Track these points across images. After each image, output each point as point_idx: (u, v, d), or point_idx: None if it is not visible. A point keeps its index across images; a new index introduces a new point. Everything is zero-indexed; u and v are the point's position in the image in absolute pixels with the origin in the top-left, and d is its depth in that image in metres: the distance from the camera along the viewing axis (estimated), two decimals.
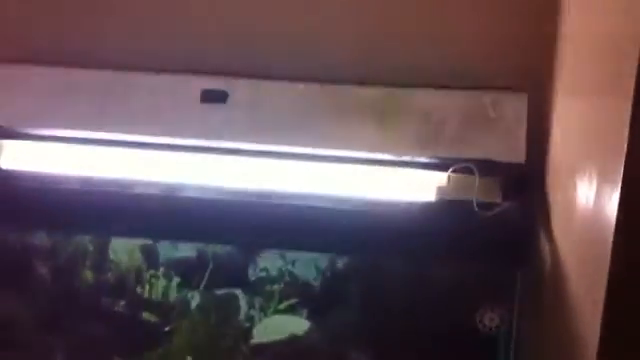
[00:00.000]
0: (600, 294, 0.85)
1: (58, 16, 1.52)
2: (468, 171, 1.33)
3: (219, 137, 1.43)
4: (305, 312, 1.46)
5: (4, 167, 1.48)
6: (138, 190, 1.42)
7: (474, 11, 1.40)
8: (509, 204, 1.30)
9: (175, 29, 1.50)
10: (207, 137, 1.43)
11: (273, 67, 1.47)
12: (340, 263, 1.44)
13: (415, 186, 1.38)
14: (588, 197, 0.98)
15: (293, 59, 1.48)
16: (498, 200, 1.32)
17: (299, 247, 1.42)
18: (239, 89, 1.45)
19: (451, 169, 1.34)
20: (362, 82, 1.42)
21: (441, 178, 1.35)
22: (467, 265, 1.36)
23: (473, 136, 1.36)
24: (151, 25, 1.51)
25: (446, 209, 1.35)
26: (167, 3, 1.51)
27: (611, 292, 0.84)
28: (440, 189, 1.35)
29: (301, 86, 1.45)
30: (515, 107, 1.37)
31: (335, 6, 1.44)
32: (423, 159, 1.37)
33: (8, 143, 1.48)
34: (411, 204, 1.36)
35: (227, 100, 1.44)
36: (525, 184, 1.32)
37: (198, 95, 1.45)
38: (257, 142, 1.42)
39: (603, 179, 0.91)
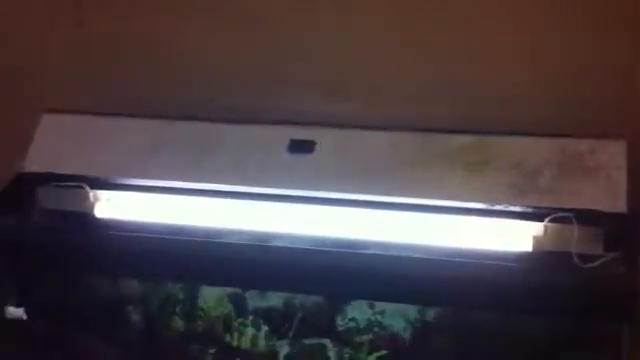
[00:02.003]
0: None
1: (152, 70, 1.52)
2: (566, 221, 1.23)
3: (307, 187, 1.38)
4: None
5: (99, 216, 1.46)
6: (227, 239, 1.38)
7: (569, 57, 1.31)
8: (612, 255, 1.18)
9: (263, 80, 1.48)
10: (295, 187, 1.39)
11: (360, 116, 1.42)
12: (430, 315, 1.34)
13: (509, 236, 1.28)
14: None
15: (380, 107, 1.43)
16: (599, 251, 1.21)
17: (388, 297, 1.34)
18: (326, 138, 1.40)
19: (548, 219, 1.24)
20: (452, 130, 1.34)
21: (537, 228, 1.25)
22: (567, 321, 1.24)
23: (570, 185, 1.26)
24: (239, 77, 1.49)
25: (543, 260, 1.24)
26: (254, 55, 1.49)
27: None
28: (536, 239, 1.25)
29: (389, 134, 1.38)
30: (614, 155, 1.26)
31: (423, 54, 1.39)
32: (517, 208, 1.27)
33: (103, 193, 1.46)
34: (506, 255, 1.26)
35: (314, 150, 1.39)
36: (628, 234, 1.20)
37: (286, 145, 1.40)
38: (345, 191, 1.36)
39: None
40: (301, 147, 1.39)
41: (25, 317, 1.44)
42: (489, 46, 1.36)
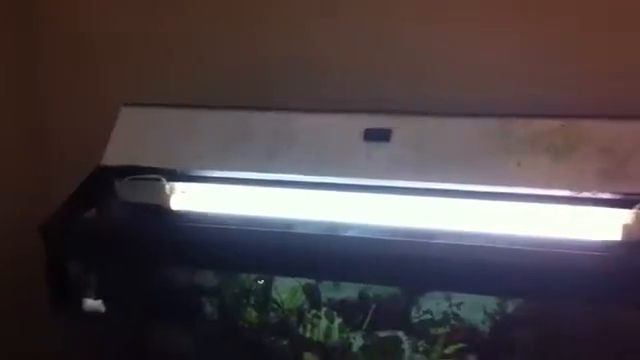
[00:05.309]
0: None
1: (228, 61, 1.48)
2: None
3: (383, 175, 1.31)
4: (473, 359, 1.28)
5: (175, 208, 1.42)
6: (302, 229, 1.32)
7: None
8: None
9: (338, 69, 1.41)
10: (371, 176, 1.31)
11: (437, 102, 1.34)
12: (511, 307, 1.24)
13: (597, 225, 1.18)
14: None
15: (458, 93, 1.34)
16: None
17: (466, 288, 1.25)
18: (403, 126, 1.32)
19: (638, 206, 1.14)
20: (534, 114, 1.24)
21: (627, 216, 1.14)
22: None
23: None
24: (314, 65, 1.41)
25: (633, 250, 1.13)
26: (332, 45, 1.42)
27: None
28: (626, 228, 1.15)
29: (466, 121, 1.29)
30: None
31: (503, 38, 1.30)
32: (606, 195, 1.17)
33: (180, 185, 1.42)
34: (592, 244, 1.16)
35: (391, 138, 1.31)
36: None
37: (362, 134, 1.33)
38: (422, 180, 1.28)
39: None
40: (377, 135, 1.32)
41: (103, 309, 1.39)
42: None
